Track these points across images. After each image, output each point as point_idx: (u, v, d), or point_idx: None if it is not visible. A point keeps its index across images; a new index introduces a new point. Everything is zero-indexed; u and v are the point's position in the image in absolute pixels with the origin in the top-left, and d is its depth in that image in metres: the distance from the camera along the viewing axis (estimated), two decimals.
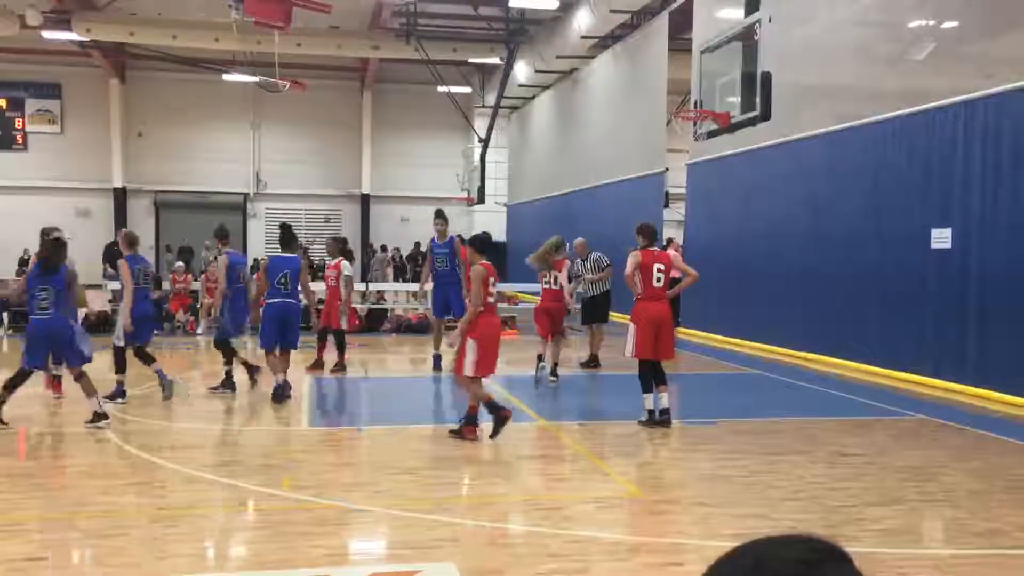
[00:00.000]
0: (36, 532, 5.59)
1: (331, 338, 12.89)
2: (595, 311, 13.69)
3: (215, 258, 19.83)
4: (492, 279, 8.24)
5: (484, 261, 8.28)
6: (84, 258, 30.45)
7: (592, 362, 13.52)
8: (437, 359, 12.71)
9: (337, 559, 5.19)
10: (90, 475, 6.98)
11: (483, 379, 8.34)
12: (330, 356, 12.78)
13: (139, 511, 5.98)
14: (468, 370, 8.10)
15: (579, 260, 13.55)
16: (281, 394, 10.12)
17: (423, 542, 5.42)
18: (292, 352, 10.72)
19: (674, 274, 9.68)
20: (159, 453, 7.62)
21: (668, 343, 9.03)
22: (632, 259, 8.97)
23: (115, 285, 18.96)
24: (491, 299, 8.22)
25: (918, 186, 11.84)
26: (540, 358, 12.19)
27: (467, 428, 8.25)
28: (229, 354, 10.80)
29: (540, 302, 12.41)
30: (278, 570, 4.90)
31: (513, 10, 23.69)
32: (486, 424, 8.21)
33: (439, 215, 12.97)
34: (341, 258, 13.01)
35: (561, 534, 5.55)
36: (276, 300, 10.39)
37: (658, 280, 8.90)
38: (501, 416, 8.09)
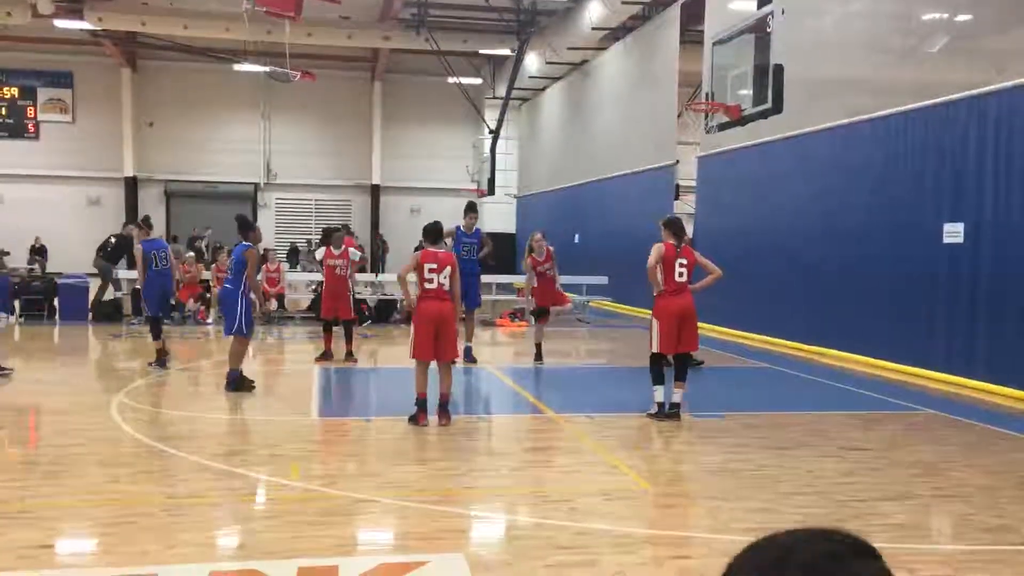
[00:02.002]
0: (46, 520, 5.61)
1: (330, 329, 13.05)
2: None
3: (219, 248, 19.87)
4: (433, 265, 8.43)
5: (427, 248, 8.61)
6: (95, 248, 30.70)
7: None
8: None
9: (346, 549, 5.20)
10: (99, 463, 7.00)
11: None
12: (336, 347, 12.82)
13: (148, 500, 6.00)
14: (409, 353, 8.53)
15: None
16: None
17: (431, 533, 5.43)
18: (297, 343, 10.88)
19: None
20: (168, 442, 7.65)
21: (692, 335, 9.04)
22: (656, 251, 8.91)
23: (130, 274, 19.01)
24: (430, 285, 8.43)
25: (930, 181, 11.78)
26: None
27: (420, 414, 8.47)
28: (157, 331, 12.01)
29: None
30: (287, 559, 4.91)
31: (524, 1, 23.64)
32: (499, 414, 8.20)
33: (472, 208, 12.97)
34: (346, 246, 13.10)
35: (569, 526, 5.55)
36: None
37: (680, 275, 8.87)
38: (417, 416, 8.40)
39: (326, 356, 12.76)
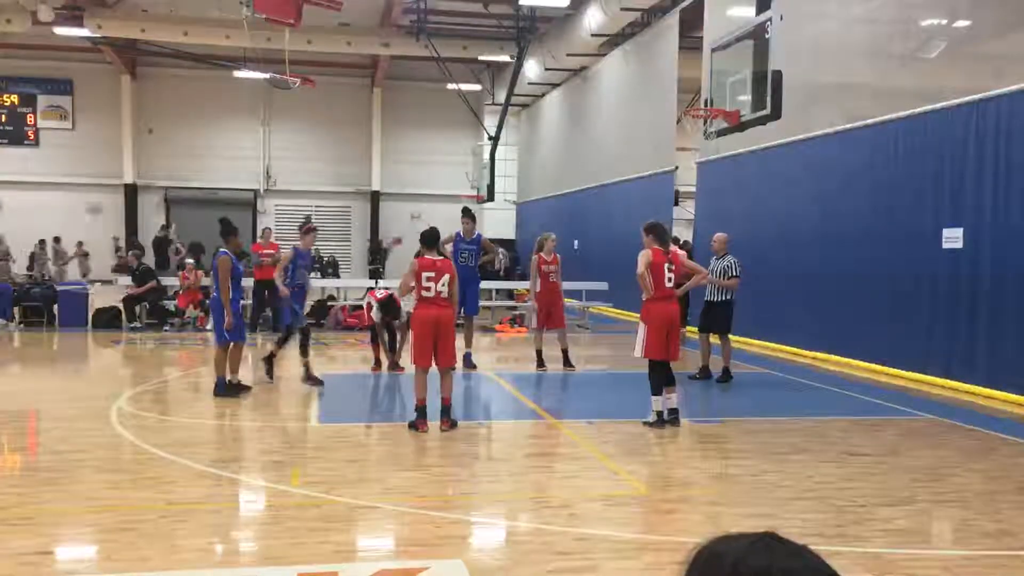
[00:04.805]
0: (46, 526, 5.62)
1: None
2: (708, 318, 12.23)
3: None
4: (431, 273, 8.50)
5: (425, 256, 8.69)
6: (95, 253, 30.71)
7: (702, 374, 12.12)
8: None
9: (346, 555, 5.20)
10: (99, 470, 7.00)
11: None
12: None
13: (148, 506, 5.99)
14: (410, 359, 8.63)
15: (713, 258, 12.22)
16: None
17: (431, 539, 5.43)
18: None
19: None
20: (168, 448, 7.64)
21: (676, 344, 9.04)
22: (643, 257, 8.88)
23: (125, 280, 19.02)
24: (427, 293, 8.49)
25: (929, 185, 11.79)
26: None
27: (419, 421, 8.51)
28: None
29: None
30: (287, 566, 4.91)
31: (524, 8, 23.67)
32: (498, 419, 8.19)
33: (467, 214, 12.91)
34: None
35: (569, 532, 5.55)
36: None
37: (669, 280, 8.87)
38: (417, 423, 8.45)
39: (380, 364, 12.66)
